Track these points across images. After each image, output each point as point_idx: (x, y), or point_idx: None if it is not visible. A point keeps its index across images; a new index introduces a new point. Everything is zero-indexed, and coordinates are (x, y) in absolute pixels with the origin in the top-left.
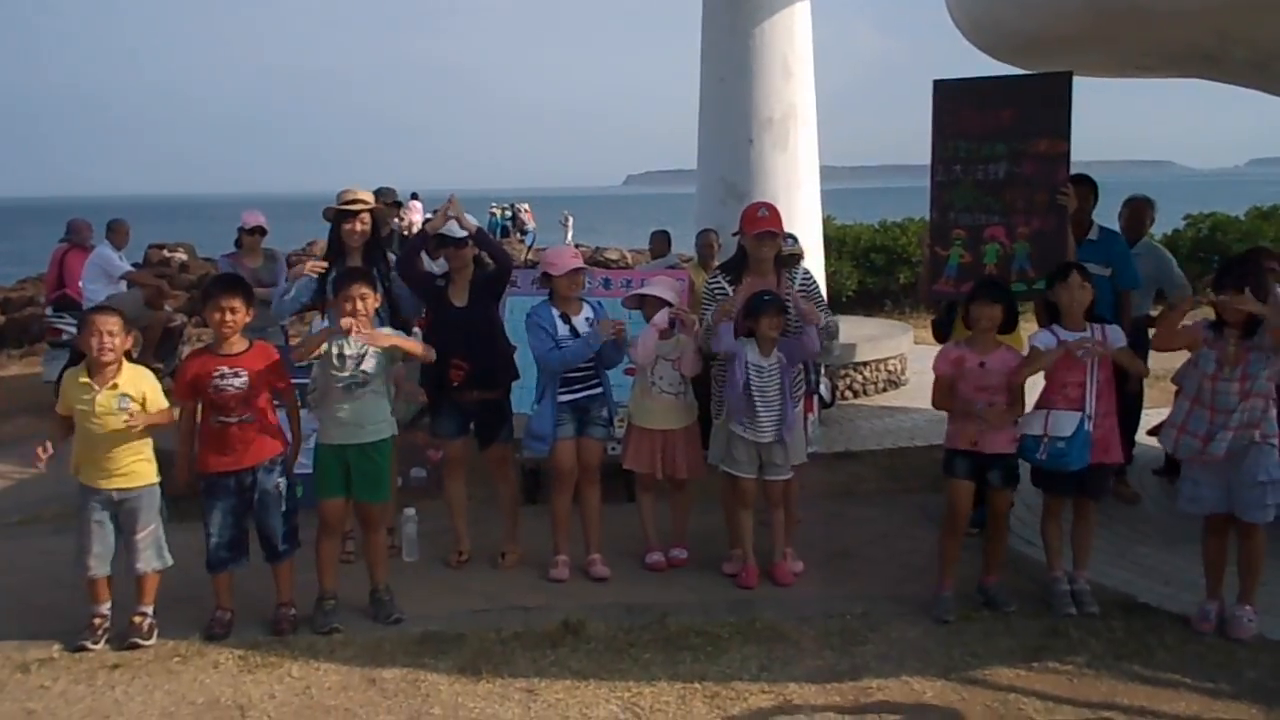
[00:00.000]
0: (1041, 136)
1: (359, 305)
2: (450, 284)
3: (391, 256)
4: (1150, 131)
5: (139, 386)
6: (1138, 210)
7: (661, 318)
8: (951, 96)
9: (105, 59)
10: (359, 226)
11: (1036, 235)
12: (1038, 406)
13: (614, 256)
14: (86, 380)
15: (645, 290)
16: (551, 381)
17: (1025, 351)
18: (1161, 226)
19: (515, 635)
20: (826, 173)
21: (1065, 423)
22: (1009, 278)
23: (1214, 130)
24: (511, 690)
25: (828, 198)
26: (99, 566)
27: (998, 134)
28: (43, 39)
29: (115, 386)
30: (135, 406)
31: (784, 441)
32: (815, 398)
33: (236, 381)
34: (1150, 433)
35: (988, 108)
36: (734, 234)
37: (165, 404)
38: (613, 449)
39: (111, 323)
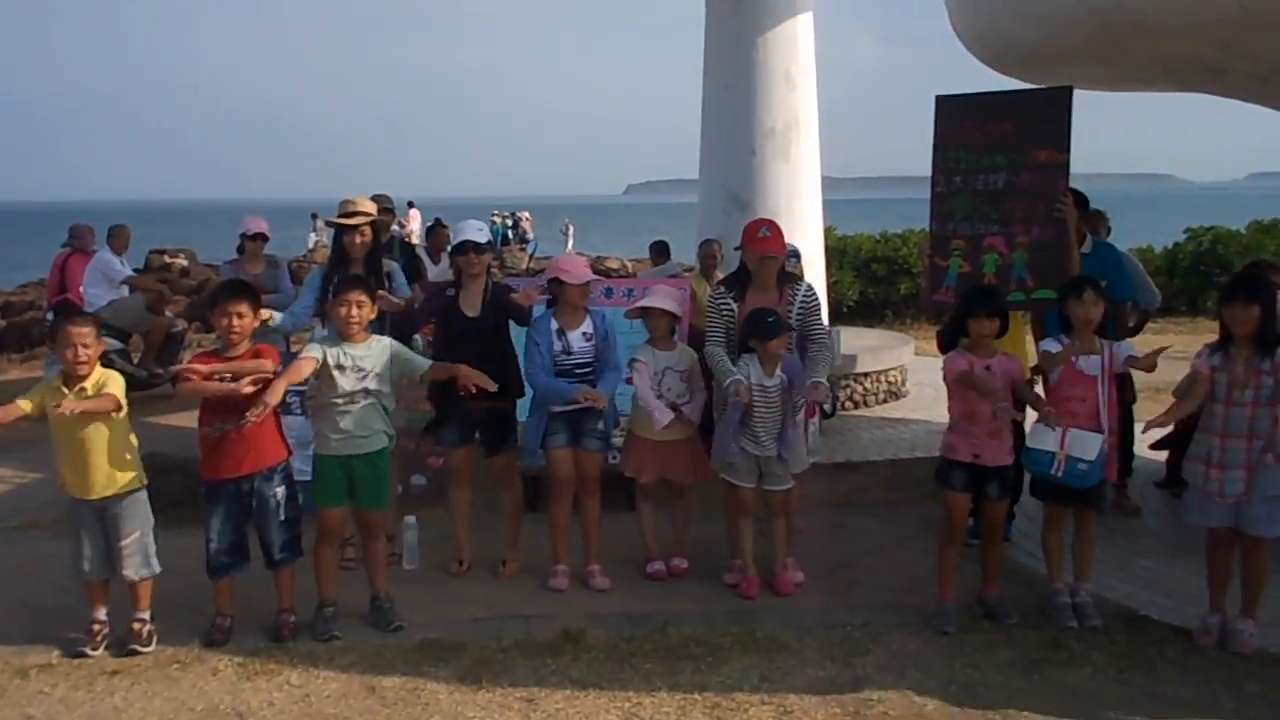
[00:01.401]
0: (1041, 148)
1: (353, 311)
2: (461, 292)
3: (391, 264)
4: (1150, 145)
5: (101, 385)
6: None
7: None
8: (953, 110)
9: (105, 62)
10: (359, 239)
11: (1035, 245)
12: (1043, 420)
13: (614, 265)
14: (58, 384)
15: (647, 302)
16: (599, 405)
17: (1029, 361)
18: (1161, 239)
19: (515, 644)
20: (828, 183)
21: (1089, 445)
22: (1007, 288)
23: (1214, 144)
24: (511, 699)
25: (829, 208)
26: (94, 569)
27: (998, 145)
28: (43, 42)
29: (83, 390)
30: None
31: (783, 457)
32: (816, 406)
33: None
34: (1153, 446)
35: (989, 120)
36: (736, 248)
37: (122, 402)
38: (613, 458)
39: (85, 333)
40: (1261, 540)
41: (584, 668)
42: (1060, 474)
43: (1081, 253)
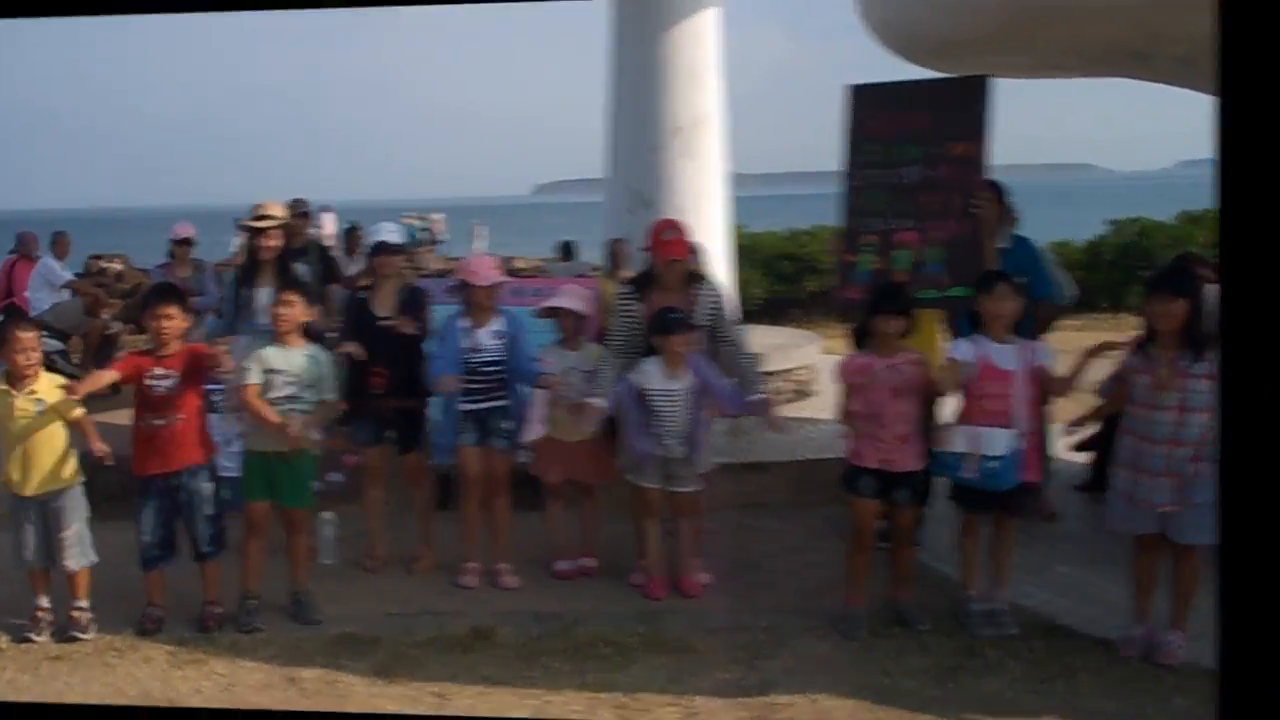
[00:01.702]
0: (957, 140)
1: (282, 310)
2: (374, 292)
3: (303, 267)
4: (1068, 132)
5: (53, 394)
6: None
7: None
8: (866, 101)
9: (49, 77)
10: (269, 242)
11: (950, 241)
12: (958, 422)
13: (523, 265)
14: (4, 388)
15: (556, 302)
16: (454, 392)
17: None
18: (1082, 232)
19: (428, 640)
20: (735, 179)
21: (997, 441)
22: (920, 285)
23: (1139, 130)
24: (424, 694)
25: (736, 205)
26: (35, 558)
27: (912, 136)
28: None
29: (33, 392)
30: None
31: (690, 459)
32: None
33: (166, 383)
34: (1076, 448)
35: (902, 110)
36: (642, 249)
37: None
38: (522, 458)
39: (32, 338)
40: (1193, 548)
41: (494, 665)
42: (975, 475)
43: (999, 247)
